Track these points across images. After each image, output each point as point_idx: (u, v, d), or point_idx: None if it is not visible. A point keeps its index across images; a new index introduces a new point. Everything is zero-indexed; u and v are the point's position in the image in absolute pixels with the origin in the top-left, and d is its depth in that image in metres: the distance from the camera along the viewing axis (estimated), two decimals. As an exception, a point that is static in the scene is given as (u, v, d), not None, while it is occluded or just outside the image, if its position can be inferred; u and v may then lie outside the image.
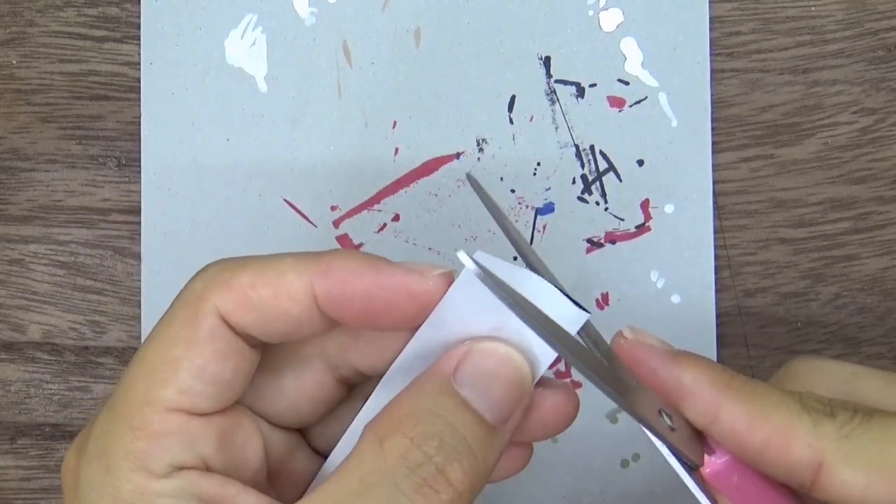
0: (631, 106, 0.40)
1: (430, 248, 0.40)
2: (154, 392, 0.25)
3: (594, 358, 0.25)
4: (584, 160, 0.40)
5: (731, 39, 0.40)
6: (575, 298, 0.26)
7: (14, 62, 0.42)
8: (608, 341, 0.27)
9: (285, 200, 0.41)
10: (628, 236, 0.40)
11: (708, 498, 0.26)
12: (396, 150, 0.41)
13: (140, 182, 0.41)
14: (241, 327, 0.26)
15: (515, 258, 0.38)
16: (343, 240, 0.41)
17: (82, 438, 0.27)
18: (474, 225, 0.40)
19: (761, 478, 0.27)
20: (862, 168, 0.40)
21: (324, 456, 0.30)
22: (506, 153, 0.40)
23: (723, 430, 0.25)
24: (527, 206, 0.40)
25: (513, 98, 0.40)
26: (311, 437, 0.30)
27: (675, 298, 0.40)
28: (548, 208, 0.40)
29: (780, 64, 0.40)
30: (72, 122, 0.41)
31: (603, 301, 0.40)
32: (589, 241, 0.40)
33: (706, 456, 0.26)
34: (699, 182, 0.40)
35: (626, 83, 0.40)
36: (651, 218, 0.40)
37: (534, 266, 0.27)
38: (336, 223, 0.41)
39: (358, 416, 0.28)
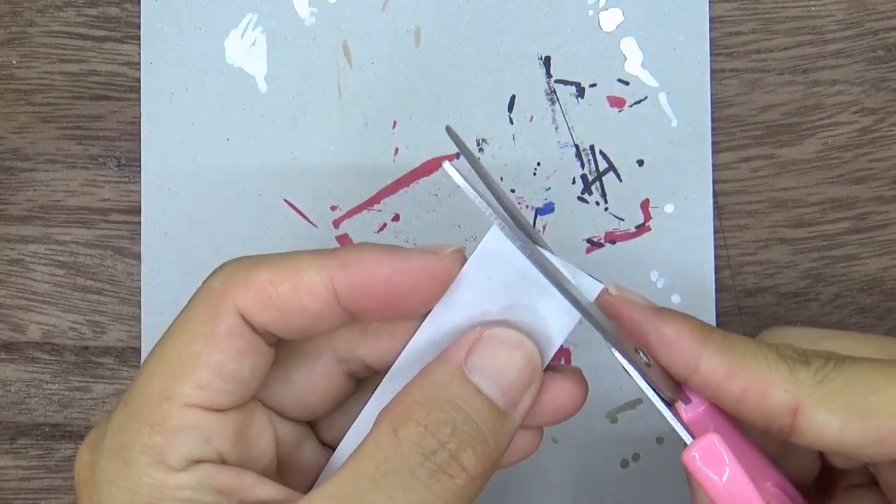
0: (631, 106, 0.40)
1: (430, 248, 0.40)
2: (172, 388, 0.26)
3: (606, 322, 0.27)
4: (584, 160, 0.40)
5: (731, 39, 0.40)
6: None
7: (14, 62, 0.42)
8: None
9: (285, 200, 0.41)
10: (628, 236, 0.40)
11: (685, 428, 0.27)
12: (396, 150, 0.41)
13: (140, 182, 0.41)
14: (260, 325, 0.26)
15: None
16: (343, 240, 0.41)
17: (97, 434, 0.27)
18: (474, 225, 0.40)
19: (735, 427, 0.28)
20: (862, 168, 0.40)
21: (332, 448, 0.30)
22: (506, 153, 0.40)
23: (703, 379, 0.26)
24: (527, 206, 0.40)
25: (513, 98, 0.40)
26: (319, 429, 0.31)
27: (675, 298, 0.40)
28: (548, 208, 0.40)
29: (780, 64, 0.40)
30: (72, 122, 0.41)
31: (603, 301, 0.40)
32: (589, 241, 0.40)
33: (683, 405, 0.27)
34: (699, 182, 0.40)
35: (626, 83, 0.40)
36: (651, 218, 0.40)
37: (528, 231, 0.27)
38: (336, 223, 0.41)
39: (367, 405, 0.29)
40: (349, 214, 0.41)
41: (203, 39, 0.41)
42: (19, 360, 0.41)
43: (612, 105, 0.40)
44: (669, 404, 0.27)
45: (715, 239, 0.40)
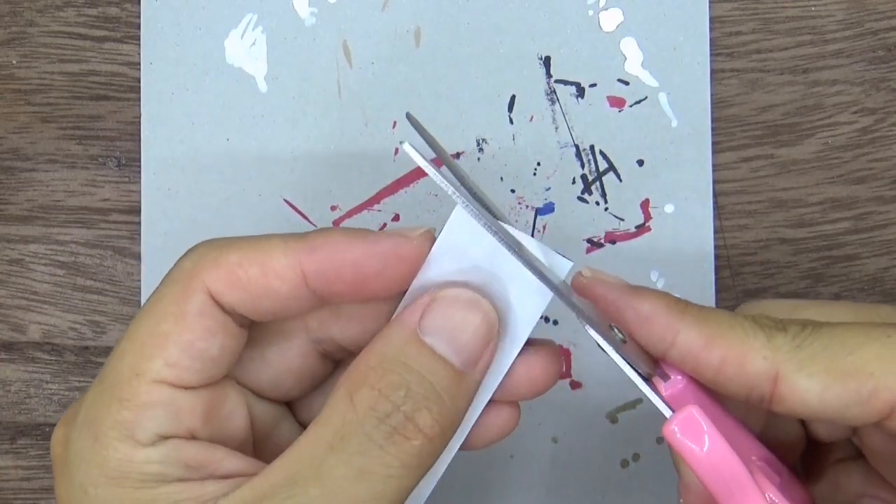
0: (631, 106, 0.40)
1: (430, 248, 0.40)
2: (142, 365, 0.26)
3: (582, 302, 0.27)
4: (584, 160, 0.40)
5: (731, 39, 0.40)
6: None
7: (14, 62, 0.42)
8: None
9: (285, 200, 0.41)
10: (628, 236, 0.40)
11: (664, 402, 0.27)
12: (396, 150, 0.41)
13: (140, 182, 0.41)
14: (229, 305, 0.27)
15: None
16: (343, 240, 0.41)
17: (72, 411, 0.27)
18: (474, 225, 0.40)
19: (716, 402, 0.28)
20: (862, 168, 0.40)
21: None
22: (506, 153, 0.40)
23: (681, 352, 0.26)
24: (527, 206, 0.40)
25: (513, 98, 0.40)
26: (297, 410, 0.31)
27: (675, 298, 0.40)
28: (548, 208, 0.40)
29: (780, 64, 0.40)
30: (72, 122, 0.41)
31: (603, 301, 0.40)
32: (589, 241, 0.40)
33: (661, 381, 0.27)
34: (699, 182, 0.40)
35: (626, 83, 0.40)
36: (651, 218, 0.40)
37: (493, 212, 0.27)
38: (336, 223, 0.41)
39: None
40: (349, 214, 0.41)
41: (203, 39, 0.41)
42: (19, 360, 0.41)
43: (612, 105, 0.40)
44: (647, 379, 0.27)
45: (715, 239, 0.40)
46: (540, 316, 0.27)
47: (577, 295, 0.28)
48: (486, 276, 0.27)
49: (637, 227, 0.40)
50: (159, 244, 0.41)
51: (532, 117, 0.40)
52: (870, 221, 0.40)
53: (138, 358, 0.26)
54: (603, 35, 0.40)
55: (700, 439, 0.25)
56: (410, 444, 0.25)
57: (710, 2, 0.40)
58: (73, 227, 0.41)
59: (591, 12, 0.40)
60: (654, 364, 0.28)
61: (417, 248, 0.27)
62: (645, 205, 0.40)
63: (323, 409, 0.26)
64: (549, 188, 0.40)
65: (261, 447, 0.30)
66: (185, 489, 0.25)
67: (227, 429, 0.28)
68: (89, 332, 0.41)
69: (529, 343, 0.28)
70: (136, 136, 0.41)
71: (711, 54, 0.40)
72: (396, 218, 0.40)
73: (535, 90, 0.40)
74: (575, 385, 0.40)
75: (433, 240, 0.27)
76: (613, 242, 0.40)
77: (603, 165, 0.40)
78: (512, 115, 0.40)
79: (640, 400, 0.40)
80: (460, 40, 0.41)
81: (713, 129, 0.40)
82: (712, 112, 0.40)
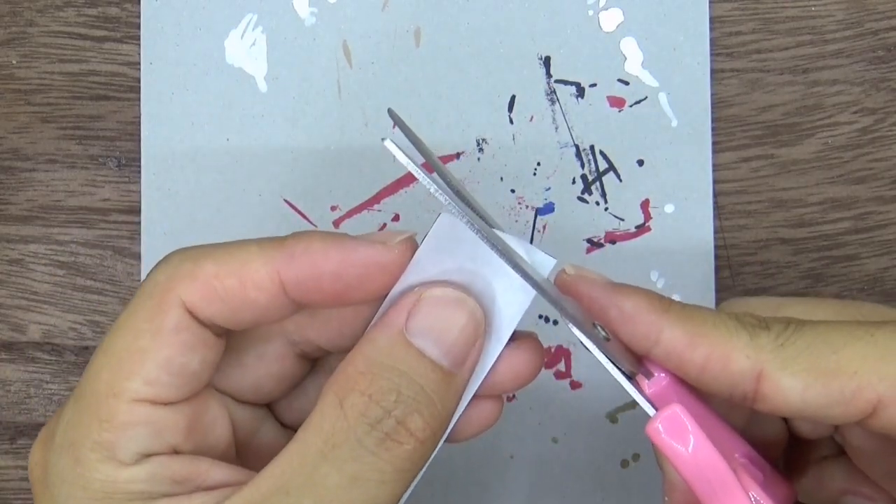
0: (631, 106, 0.40)
1: (430, 248, 0.40)
2: (120, 384, 0.25)
3: (566, 301, 0.27)
4: (584, 160, 0.40)
5: (731, 39, 0.40)
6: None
7: (14, 62, 0.42)
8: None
9: (285, 200, 0.41)
10: (628, 236, 0.40)
11: (647, 400, 0.27)
12: (396, 150, 0.41)
13: (140, 182, 0.41)
14: (207, 318, 0.26)
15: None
16: (343, 240, 0.41)
17: (48, 431, 0.27)
18: (474, 225, 0.40)
19: (699, 400, 0.28)
20: (862, 168, 0.40)
21: (292, 430, 0.30)
22: (506, 153, 0.40)
23: (665, 351, 0.26)
24: (527, 206, 0.40)
25: (513, 98, 0.40)
26: (278, 411, 0.31)
27: (676, 298, 0.40)
28: (548, 208, 0.40)
29: (780, 64, 0.40)
30: (72, 122, 0.41)
31: (603, 301, 0.40)
32: (589, 241, 0.40)
33: (645, 379, 0.27)
34: (699, 182, 0.40)
35: (626, 83, 0.40)
36: (651, 218, 0.40)
37: (480, 213, 0.27)
38: (336, 223, 0.41)
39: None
40: (349, 214, 0.41)
41: (203, 39, 0.41)
42: (19, 360, 0.41)
43: (612, 105, 0.40)
44: (630, 377, 0.27)
45: (715, 239, 0.40)
46: (523, 313, 0.27)
47: (558, 290, 0.28)
48: (470, 276, 0.27)
49: (637, 227, 0.40)
50: (159, 244, 0.41)
51: (532, 117, 0.40)
52: (870, 221, 0.40)
53: (116, 376, 0.25)
54: (603, 35, 0.40)
55: (684, 438, 0.25)
56: (403, 449, 0.25)
57: (710, 2, 0.40)
58: (73, 227, 0.41)
59: (591, 12, 0.40)
60: (637, 362, 0.28)
61: (398, 256, 0.27)
62: (645, 205, 0.40)
63: (311, 415, 0.25)
64: (549, 188, 0.40)
65: (243, 451, 0.29)
66: None
67: (209, 439, 0.28)
68: (89, 332, 0.41)
69: (512, 336, 0.28)
70: (136, 136, 0.41)
71: (711, 54, 0.40)
72: (396, 218, 0.40)
73: (535, 90, 0.40)
74: (575, 385, 0.40)
75: (415, 246, 0.27)
76: (613, 242, 0.40)
77: (603, 165, 0.40)
78: (512, 115, 0.40)
79: (640, 400, 0.40)
80: (460, 40, 0.41)
81: (713, 129, 0.40)
82: (712, 112, 0.40)
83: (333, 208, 0.41)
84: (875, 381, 0.25)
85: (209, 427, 0.28)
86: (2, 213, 0.42)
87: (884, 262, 0.40)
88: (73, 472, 0.25)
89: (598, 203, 0.40)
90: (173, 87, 0.41)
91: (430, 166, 0.28)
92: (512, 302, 0.27)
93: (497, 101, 0.40)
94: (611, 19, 0.40)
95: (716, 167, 0.40)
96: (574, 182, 0.40)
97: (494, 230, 0.27)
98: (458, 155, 0.40)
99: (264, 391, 0.30)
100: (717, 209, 0.40)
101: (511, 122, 0.40)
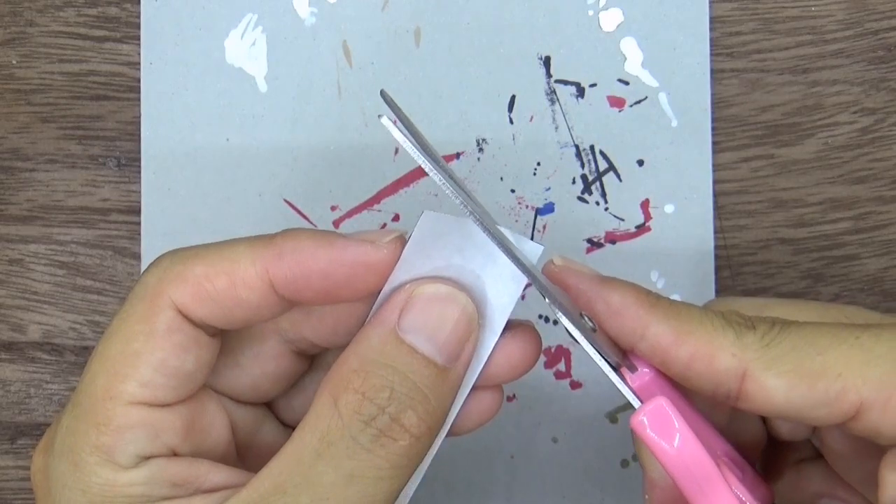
0: (631, 106, 0.40)
1: (430, 248, 0.40)
2: (115, 387, 0.26)
3: (554, 289, 0.27)
4: (584, 160, 0.40)
5: (731, 39, 0.40)
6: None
7: (14, 62, 0.42)
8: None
9: (285, 200, 0.41)
10: (628, 236, 0.40)
11: (632, 391, 0.27)
12: (396, 150, 0.41)
13: (140, 182, 0.41)
14: (199, 319, 0.26)
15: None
16: (343, 240, 0.41)
17: (48, 438, 0.27)
18: (474, 225, 0.40)
19: (682, 396, 0.28)
20: (862, 168, 0.40)
21: (292, 428, 0.30)
22: (506, 153, 0.40)
23: (650, 346, 0.26)
24: (527, 206, 0.40)
25: (513, 98, 0.40)
26: (277, 409, 0.31)
27: (676, 298, 0.40)
28: (548, 208, 0.40)
29: (780, 64, 0.40)
30: (72, 122, 0.41)
31: (603, 301, 0.40)
32: (589, 241, 0.40)
33: (629, 373, 0.27)
34: (699, 182, 0.40)
35: (626, 83, 0.40)
36: (651, 218, 0.40)
37: (471, 198, 0.28)
38: (336, 223, 0.41)
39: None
40: (349, 214, 0.41)
41: (203, 39, 0.41)
42: (19, 360, 0.41)
43: (612, 105, 0.40)
44: (616, 369, 0.27)
45: (715, 239, 0.40)
46: (515, 302, 0.27)
47: (547, 279, 0.28)
48: (459, 270, 0.27)
49: (637, 227, 0.40)
50: (159, 244, 0.41)
51: (532, 117, 0.40)
52: (870, 221, 0.40)
53: (111, 379, 0.26)
54: (603, 35, 0.40)
55: (669, 431, 0.25)
56: (398, 445, 0.25)
57: (710, 2, 0.40)
58: (73, 227, 0.41)
59: (591, 12, 0.40)
60: (622, 355, 0.28)
61: (387, 255, 0.27)
62: (645, 205, 0.40)
63: (307, 415, 0.25)
64: (549, 188, 0.40)
65: (245, 452, 0.29)
66: None
67: (208, 440, 0.28)
68: (89, 332, 0.41)
69: (508, 326, 0.28)
70: (136, 136, 0.41)
71: (711, 54, 0.40)
72: (396, 218, 0.40)
73: (535, 90, 0.40)
74: (575, 385, 0.40)
75: (404, 243, 0.27)
76: (613, 242, 0.40)
77: (603, 165, 0.40)
78: (512, 115, 0.40)
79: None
80: (460, 40, 0.41)
81: (713, 129, 0.40)
82: (712, 112, 0.40)
83: (333, 208, 0.41)
84: (859, 383, 0.25)
85: (207, 428, 0.28)
86: (2, 213, 0.42)
87: (884, 262, 0.40)
88: (72, 477, 0.25)
89: (598, 203, 0.40)
90: (173, 87, 0.41)
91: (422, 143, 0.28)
92: (503, 292, 0.27)
93: (497, 101, 0.40)
94: (611, 19, 0.40)
95: (716, 167, 0.40)
96: (574, 182, 0.40)
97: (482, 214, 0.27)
98: (458, 155, 0.40)
99: (262, 390, 0.30)
100: (717, 209, 0.40)
101: (511, 121, 0.40)
